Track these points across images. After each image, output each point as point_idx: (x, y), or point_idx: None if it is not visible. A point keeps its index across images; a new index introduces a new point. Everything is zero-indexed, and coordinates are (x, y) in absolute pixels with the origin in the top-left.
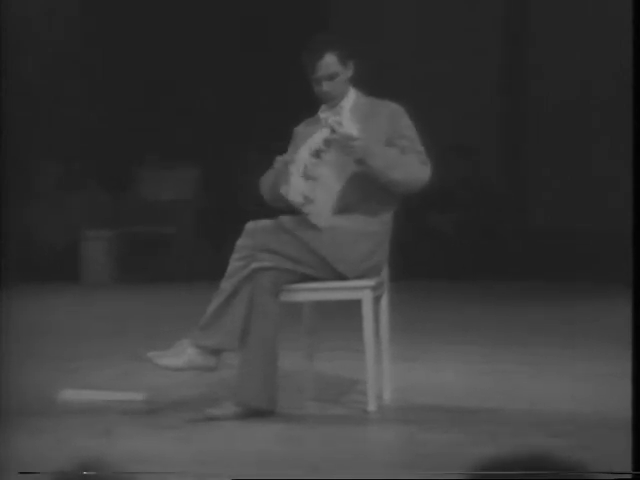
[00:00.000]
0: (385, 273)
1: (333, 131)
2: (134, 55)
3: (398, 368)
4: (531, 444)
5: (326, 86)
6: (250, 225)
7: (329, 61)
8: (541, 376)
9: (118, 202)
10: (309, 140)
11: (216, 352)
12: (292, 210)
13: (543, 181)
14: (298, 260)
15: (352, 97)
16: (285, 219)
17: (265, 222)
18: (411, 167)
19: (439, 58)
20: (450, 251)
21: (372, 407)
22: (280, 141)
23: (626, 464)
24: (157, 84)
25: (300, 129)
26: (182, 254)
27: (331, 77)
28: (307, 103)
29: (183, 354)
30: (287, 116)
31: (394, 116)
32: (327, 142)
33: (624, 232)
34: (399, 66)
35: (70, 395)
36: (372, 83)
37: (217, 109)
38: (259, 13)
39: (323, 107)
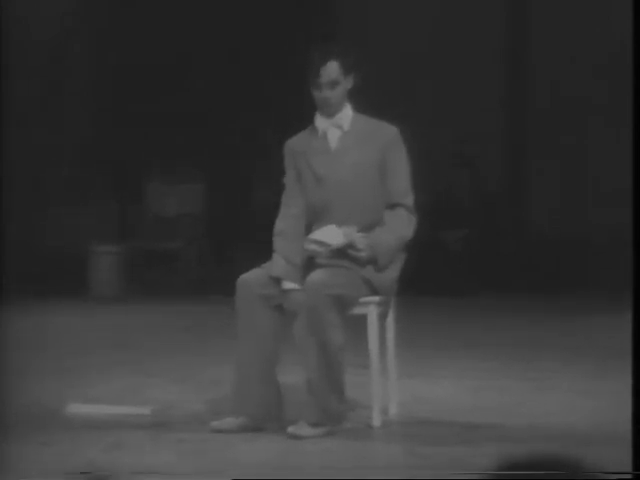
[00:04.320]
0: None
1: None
2: (143, 71)
3: (403, 383)
4: (533, 455)
5: (326, 93)
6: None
7: (332, 68)
8: (543, 391)
9: (125, 217)
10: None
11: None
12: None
13: (548, 195)
14: None
15: (349, 114)
16: None
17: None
18: (402, 232)
19: (442, 68)
20: (454, 267)
21: (377, 422)
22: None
23: (626, 476)
24: (165, 100)
25: (295, 145)
26: (189, 268)
27: (332, 84)
28: (311, 118)
29: None
30: (292, 132)
31: (389, 148)
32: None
33: (627, 247)
34: (402, 77)
35: (77, 409)
36: (374, 94)
37: (223, 125)
38: (264, 30)
39: (318, 115)
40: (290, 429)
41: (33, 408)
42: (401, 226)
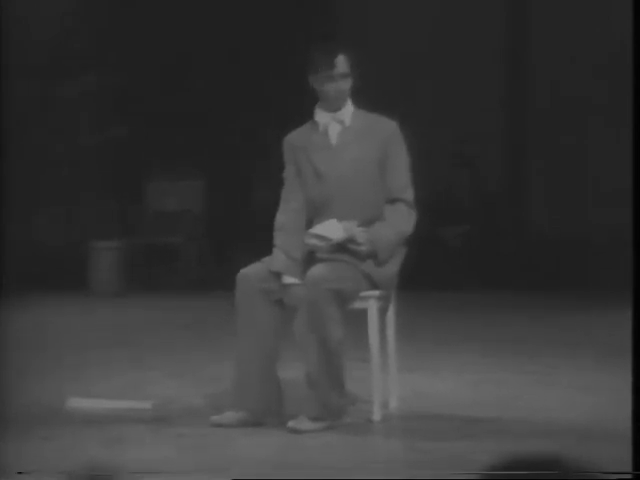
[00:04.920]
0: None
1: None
2: (139, 68)
3: (403, 377)
4: (532, 454)
5: (341, 84)
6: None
7: (343, 60)
8: (542, 386)
9: (126, 213)
10: (320, 228)
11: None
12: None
13: (548, 195)
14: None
15: (350, 109)
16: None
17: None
18: (402, 226)
19: (442, 68)
20: (454, 263)
21: (377, 417)
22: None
23: (626, 476)
24: (165, 99)
25: (295, 140)
26: (188, 264)
27: (345, 76)
28: (309, 114)
29: None
30: (291, 129)
31: (389, 143)
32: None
33: (627, 247)
34: (402, 77)
35: (77, 403)
36: (374, 94)
37: (223, 125)
38: (264, 30)
39: (319, 110)
40: (290, 423)
41: (33, 405)
42: (401, 221)
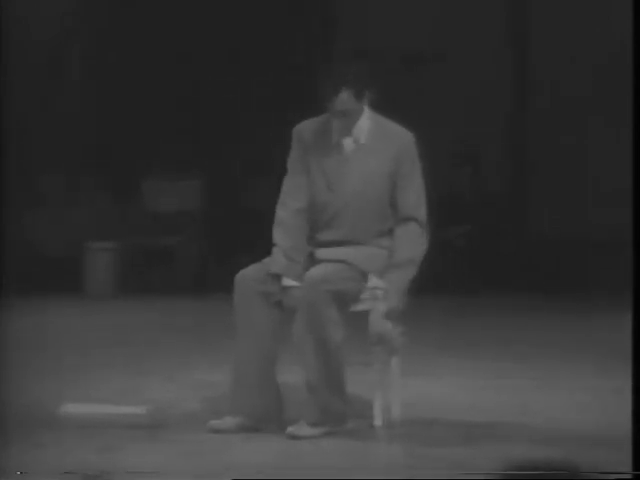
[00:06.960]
0: None
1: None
2: (139, 69)
3: (406, 382)
4: (533, 456)
5: (340, 122)
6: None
7: (345, 98)
8: (544, 390)
9: (122, 214)
10: None
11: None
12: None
13: (548, 195)
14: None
15: (366, 123)
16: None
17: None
18: (412, 252)
19: (442, 68)
20: (455, 265)
21: (378, 422)
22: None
23: (626, 476)
24: (160, 97)
25: (307, 136)
26: (185, 265)
27: (344, 113)
28: (309, 114)
29: None
30: (289, 131)
31: (403, 157)
32: None
33: (627, 247)
34: (402, 77)
35: (72, 409)
36: (373, 93)
37: (221, 122)
38: (264, 30)
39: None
40: (289, 429)
41: (30, 407)
42: (411, 246)
